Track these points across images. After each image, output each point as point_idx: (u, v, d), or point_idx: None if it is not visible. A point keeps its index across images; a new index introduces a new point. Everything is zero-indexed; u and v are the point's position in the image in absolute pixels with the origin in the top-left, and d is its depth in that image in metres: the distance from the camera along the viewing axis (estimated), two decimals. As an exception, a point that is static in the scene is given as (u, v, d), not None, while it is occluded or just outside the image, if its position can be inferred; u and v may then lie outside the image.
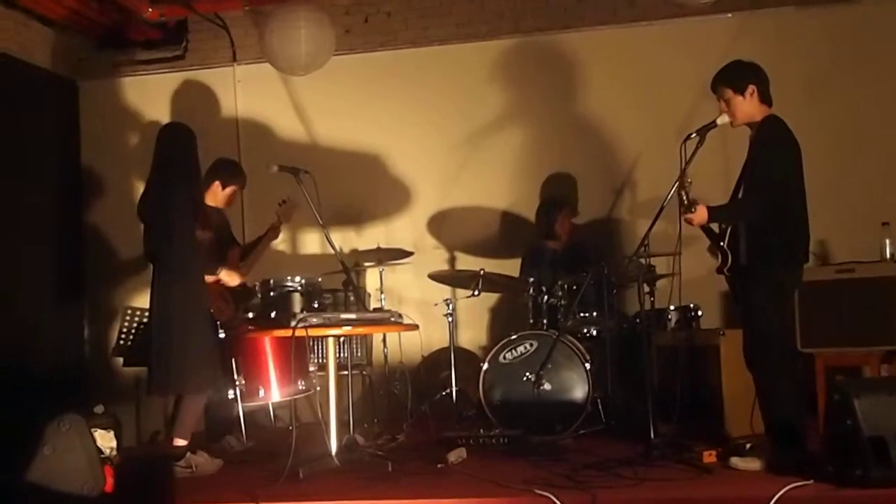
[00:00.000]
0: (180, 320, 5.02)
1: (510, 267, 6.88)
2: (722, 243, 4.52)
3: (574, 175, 7.27)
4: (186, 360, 5.01)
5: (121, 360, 6.62)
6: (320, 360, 5.95)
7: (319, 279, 6.02)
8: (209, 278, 5.30)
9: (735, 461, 4.44)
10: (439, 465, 4.82)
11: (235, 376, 5.48)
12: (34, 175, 7.26)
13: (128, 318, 6.54)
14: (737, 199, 4.58)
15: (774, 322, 4.44)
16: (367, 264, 6.79)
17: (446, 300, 6.34)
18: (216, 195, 6.06)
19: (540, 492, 3.98)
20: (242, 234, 7.12)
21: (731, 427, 5.26)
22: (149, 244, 5.18)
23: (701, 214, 4.37)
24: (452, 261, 7.45)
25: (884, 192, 6.59)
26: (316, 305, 5.07)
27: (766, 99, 4.59)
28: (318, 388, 5.41)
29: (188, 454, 5.02)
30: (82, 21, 7.39)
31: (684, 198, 4.34)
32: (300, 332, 4.72)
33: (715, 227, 4.60)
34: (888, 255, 5.51)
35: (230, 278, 5.50)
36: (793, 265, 4.52)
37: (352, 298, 6.20)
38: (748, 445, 4.59)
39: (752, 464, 4.38)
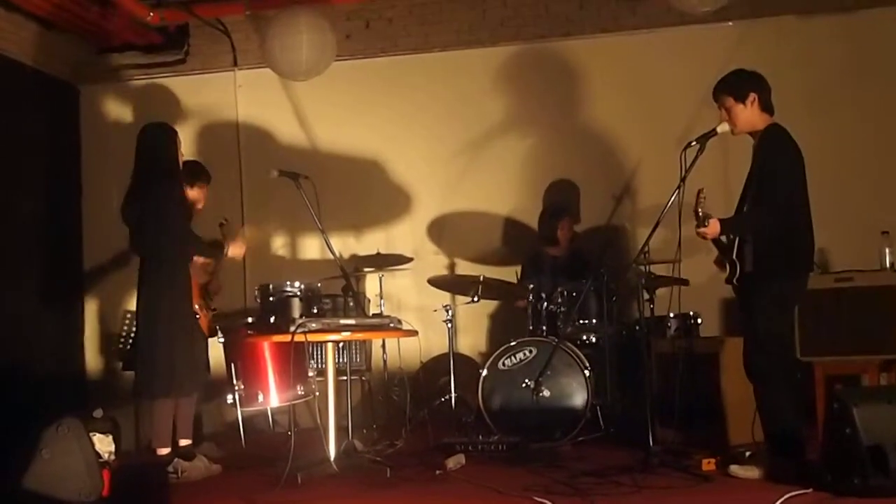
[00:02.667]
0: (165, 322, 5.01)
1: (510, 274, 6.87)
2: (731, 254, 4.54)
3: (576, 182, 7.28)
4: (163, 363, 4.98)
5: (120, 363, 6.61)
6: (319, 366, 5.94)
7: (319, 284, 6.02)
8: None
9: (734, 469, 4.43)
10: (438, 472, 4.82)
11: (234, 381, 5.49)
12: (33, 178, 7.26)
13: (127, 322, 6.53)
14: (746, 210, 4.59)
15: (776, 331, 4.45)
16: (366, 270, 6.79)
17: (445, 306, 6.33)
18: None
19: (539, 499, 3.98)
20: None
21: (731, 435, 5.25)
22: (135, 245, 5.17)
23: (713, 228, 4.43)
24: (452, 267, 7.44)
25: (883, 201, 6.60)
26: (315, 311, 5.06)
27: (767, 107, 4.59)
28: (317, 394, 5.40)
29: (176, 459, 4.99)
30: (84, 25, 7.39)
31: (699, 212, 4.37)
32: (299, 338, 4.72)
33: (723, 237, 4.61)
34: (887, 264, 5.51)
35: None
36: (798, 275, 4.53)
37: (351, 304, 6.19)
38: (747, 453, 4.60)
39: (751, 472, 4.38)
